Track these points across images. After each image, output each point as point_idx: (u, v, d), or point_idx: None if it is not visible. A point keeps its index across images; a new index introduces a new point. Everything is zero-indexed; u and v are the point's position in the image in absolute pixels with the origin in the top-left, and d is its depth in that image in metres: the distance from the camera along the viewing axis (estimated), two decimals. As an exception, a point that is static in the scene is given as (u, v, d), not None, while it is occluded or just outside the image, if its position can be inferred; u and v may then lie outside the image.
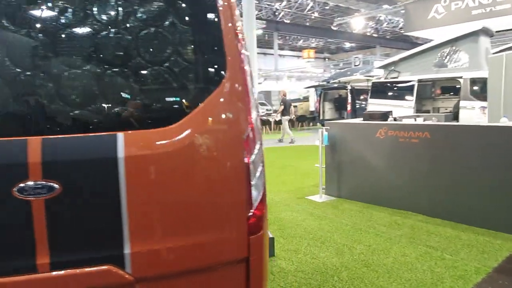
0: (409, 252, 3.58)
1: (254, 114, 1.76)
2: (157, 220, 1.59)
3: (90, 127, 1.52)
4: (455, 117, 8.73)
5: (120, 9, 1.61)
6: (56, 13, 1.55)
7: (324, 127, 5.56)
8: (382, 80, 10.74)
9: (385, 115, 5.33)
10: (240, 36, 1.76)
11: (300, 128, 18.38)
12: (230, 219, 1.70)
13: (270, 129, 16.46)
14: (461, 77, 8.84)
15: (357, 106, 14.30)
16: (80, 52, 1.55)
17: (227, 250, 1.70)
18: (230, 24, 1.72)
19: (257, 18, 25.76)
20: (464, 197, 4.24)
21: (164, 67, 1.63)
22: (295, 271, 3.27)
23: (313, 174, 6.86)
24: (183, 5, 1.71)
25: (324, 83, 16.87)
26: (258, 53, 45.02)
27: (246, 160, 1.71)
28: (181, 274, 1.65)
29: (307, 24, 37.06)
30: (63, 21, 1.54)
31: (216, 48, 1.70)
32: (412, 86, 9.77)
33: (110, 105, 1.56)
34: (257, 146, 1.76)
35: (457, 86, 9.67)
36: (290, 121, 14.71)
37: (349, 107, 14.50)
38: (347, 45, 44.79)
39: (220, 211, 1.68)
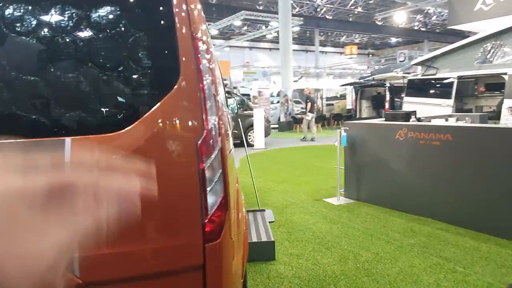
0: (418, 263, 3.36)
1: (212, 118, 1.72)
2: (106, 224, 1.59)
3: (38, 132, 1.55)
4: (498, 116, 8.09)
5: (69, 12, 1.63)
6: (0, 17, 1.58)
7: (342, 127, 5.37)
8: (419, 77, 10.19)
9: (407, 115, 5.05)
10: (201, 39, 1.72)
11: (336, 127, 17.94)
12: (182, 225, 1.67)
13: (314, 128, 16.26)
14: (505, 74, 8.17)
15: (396, 104, 13.72)
16: (31, 56, 1.58)
17: (180, 257, 1.68)
18: (186, 28, 1.69)
19: (297, 15, 25.51)
20: (488, 205, 3.91)
21: (114, 71, 1.63)
22: (292, 276, 3.18)
23: (336, 175, 6.66)
24: (136, 8, 1.70)
25: (361, 80, 16.33)
26: (299, 50, 44.55)
27: (200, 165, 1.67)
28: (132, 280, 1.65)
29: (350, 19, 36.11)
30: (10, 24, 1.58)
31: (168, 52, 1.68)
32: (451, 83, 9.18)
33: (58, 110, 1.59)
34: (215, 151, 1.72)
35: (502, 83, 8.96)
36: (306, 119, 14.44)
37: (387, 105, 13.94)
38: (393, 40, 43.13)
39: (172, 217, 1.66)
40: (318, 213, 4.85)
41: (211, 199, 1.70)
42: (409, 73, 12.91)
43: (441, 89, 9.42)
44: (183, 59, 1.68)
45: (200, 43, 1.71)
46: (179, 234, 1.67)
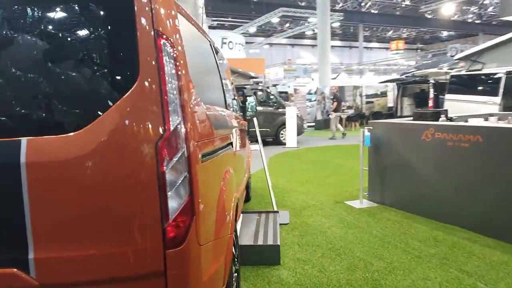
0: (435, 276, 3.08)
1: (176, 120, 1.63)
2: (62, 227, 1.57)
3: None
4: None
5: (27, 12, 1.61)
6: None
7: (366, 127, 5.09)
8: (463, 72, 9.49)
9: (436, 114, 4.68)
10: (167, 38, 1.63)
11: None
12: (140, 230, 1.60)
13: (342, 126, 15.79)
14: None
15: (441, 102, 12.92)
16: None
17: (139, 263, 1.61)
18: (148, 27, 1.61)
19: (339, 10, 24.82)
20: (522, 215, 3.51)
21: (71, 71, 1.59)
22: (294, 284, 3.04)
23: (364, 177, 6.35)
24: (94, 8, 1.64)
25: (403, 76, 15.56)
26: (342, 46, 43.46)
27: (160, 168, 1.59)
28: (89, 284, 1.61)
29: (397, 13, 34.58)
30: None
31: (127, 52, 1.61)
32: (499, 79, 8.45)
33: (15, 110, 1.58)
34: (179, 154, 1.63)
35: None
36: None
37: (430, 103, 13.18)
38: (444, 34, 40.78)
39: (129, 221, 1.60)
40: (336, 217, 4.63)
41: (172, 204, 1.62)
42: (453, 69, 12.09)
43: (487, 86, 8.71)
44: (143, 59, 1.60)
45: (164, 43, 1.63)
46: (136, 239, 1.60)
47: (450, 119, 4.79)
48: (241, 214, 4.14)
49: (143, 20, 1.62)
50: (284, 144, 11.40)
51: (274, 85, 18.82)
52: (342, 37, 42.22)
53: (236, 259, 2.63)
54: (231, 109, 3.86)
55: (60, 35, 1.60)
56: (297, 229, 4.22)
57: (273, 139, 11.86)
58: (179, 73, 1.68)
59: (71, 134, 1.55)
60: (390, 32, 40.78)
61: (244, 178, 4.09)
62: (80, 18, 1.61)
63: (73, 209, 1.55)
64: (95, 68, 1.60)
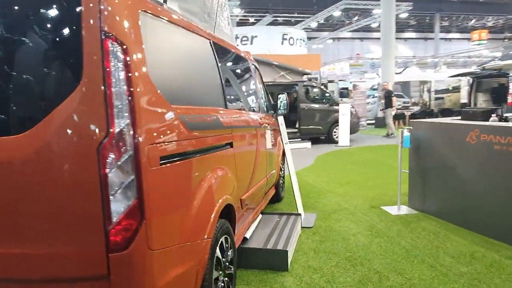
0: (457, 299, 2.70)
1: (121, 122, 1.59)
2: (3, 226, 1.62)
3: None
4: None
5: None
6: None
7: (406, 127, 4.65)
8: (544, 64, 8.25)
9: (486, 113, 4.12)
10: (116, 39, 1.60)
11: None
12: (83, 232, 1.60)
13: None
14: None
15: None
16: None
17: (82, 265, 1.61)
18: (93, 28, 1.59)
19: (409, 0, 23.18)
20: None
21: (14, 73, 1.62)
22: (296, 293, 2.88)
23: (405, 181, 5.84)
24: (38, 6, 1.65)
25: (478, 70, 14.02)
26: (416, 38, 40.65)
27: (102, 170, 1.57)
28: (31, 282, 1.65)
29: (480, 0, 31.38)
30: None
31: (71, 54, 1.60)
32: None
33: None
34: (125, 156, 1.60)
35: None
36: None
37: (510, 99, 11.75)
38: (539, 20, 36.06)
39: (71, 223, 1.60)
40: (366, 223, 4.31)
41: (116, 207, 1.59)
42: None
43: None
44: (87, 61, 1.58)
45: (112, 44, 1.60)
46: (79, 241, 1.60)
47: (505, 119, 4.18)
48: (260, 215, 4.04)
49: (89, 20, 1.60)
50: (337, 142, 10.98)
51: (330, 81, 18.18)
52: (416, 28, 39.48)
53: (228, 263, 2.55)
54: (252, 108, 3.78)
55: (9, 40, 1.64)
56: (319, 234, 4.01)
57: (325, 137, 11.48)
58: (131, 75, 1.64)
59: (15, 136, 1.59)
60: (473, 21, 37.17)
61: (265, 178, 3.98)
62: (27, 16, 1.63)
63: (15, 210, 1.59)
64: (39, 69, 1.62)
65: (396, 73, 17.13)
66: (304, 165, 8.10)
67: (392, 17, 15.25)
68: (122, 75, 1.61)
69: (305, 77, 11.59)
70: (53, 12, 1.66)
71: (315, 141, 11.40)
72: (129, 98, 1.62)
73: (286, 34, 20.24)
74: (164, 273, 1.79)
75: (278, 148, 4.91)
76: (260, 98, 4.28)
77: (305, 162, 8.38)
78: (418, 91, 15.77)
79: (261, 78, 4.77)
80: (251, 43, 20.16)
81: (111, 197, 1.58)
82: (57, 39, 1.65)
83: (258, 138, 3.81)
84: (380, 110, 14.42)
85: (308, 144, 10.81)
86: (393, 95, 12.34)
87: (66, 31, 1.64)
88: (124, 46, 1.63)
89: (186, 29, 2.35)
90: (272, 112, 4.87)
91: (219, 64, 2.81)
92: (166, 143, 1.83)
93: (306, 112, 10.95)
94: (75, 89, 1.57)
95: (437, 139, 4.34)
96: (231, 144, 2.78)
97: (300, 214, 4.18)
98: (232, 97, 3.16)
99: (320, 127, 11.18)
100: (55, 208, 1.59)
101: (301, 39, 21.21)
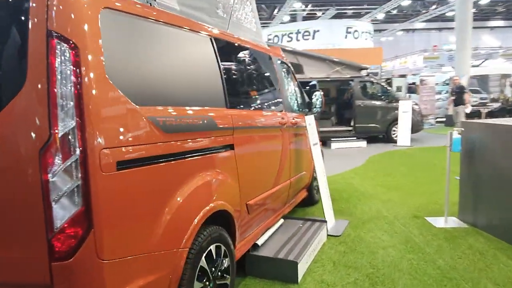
0: (489, 338, 2.25)
1: (66, 125, 1.51)
2: None
3: None
4: None
5: None
6: None
7: (455, 128, 4.08)
8: None
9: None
10: (63, 38, 1.52)
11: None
12: (25, 238, 1.55)
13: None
14: None
15: None
16: None
17: (25, 271, 1.57)
18: (40, 26, 1.53)
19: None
20: None
21: None
22: (300, 310, 2.63)
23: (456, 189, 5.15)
24: None
25: None
26: (505, 26, 36.61)
27: (43, 175, 1.50)
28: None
29: None
30: None
31: (16, 54, 1.55)
32: None
33: None
34: (69, 161, 1.52)
35: None
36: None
37: None
38: None
39: (14, 229, 1.56)
40: (403, 235, 3.86)
41: (59, 213, 1.52)
42: None
43: None
44: (33, 61, 1.52)
45: (58, 42, 1.52)
46: (22, 247, 1.56)
47: None
48: (282, 220, 3.82)
49: (36, 17, 1.54)
50: (395, 142, 10.20)
51: (401, 76, 16.95)
52: (505, 16, 35.39)
53: (222, 273, 2.39)
54: (273, 107, 3.58)
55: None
56: (345, 244, 3.68)
57: (383, 136, 10.73)
58: (80, 75, 1.54)
59: None
60: None
61: (288, 181, 3.74)
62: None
63: None
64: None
65: (474, 66, 15.47)
66: (353, 165, 7.63)
67: (468, 3, 13.76)
68: (68, 75, 1.53)
69: (363, 72, 10.93)
70: (2, 8, 1.63)
71: (372, 140, 10.71)
72: (76, 99, 1.53)
73: (350, 27, 19.36)
74: (122, 285, 1.69)
75: (306, 148, 4.62)
76: (289, 96, 4.04)
77: (355, 163, 7.89)
78: (498, 86, 14.06)
79: (293, 75, 4.51)
80: (313, 38, 19.65)
81: (53, 203, 1.51)
82: (7, 37, 1.61)
83: (280, 139, 3.59)
84: (446, 107, 13.11)
85: (363, 143, 10.19)
86: (465, 90, 11.13)
87: (15, 28, 1.60)
88: (72, 45, 1.54)
89: (170, 25, 2.21)
90: (307, 110, 4.60)
91: (221, 62, 2.65)
92: (127, 147, 1.72)
93: (362, 109, 10.32)
94: (19, 91, 1.52)
95: (494, 143, 3.73)
96: (231, 146, 2.61)
97: (325, 221, 3.88)
98: (239, 96, 2.98)
99: (377, 125, 10.47)
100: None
101: (367, 32, 20.15)
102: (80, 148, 1.54)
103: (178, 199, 2.02)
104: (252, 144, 2.97)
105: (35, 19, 1.54)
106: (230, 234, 2.58)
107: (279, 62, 3.92)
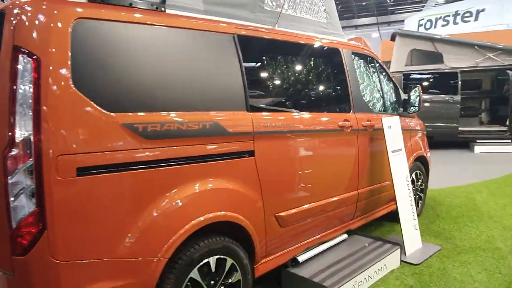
0: None
1: (23, 131, 1.63)
2: None
3: None
4: None
5: None
6: None
7: None
8: None
9: None
10: (27, 53, 1.64)
11: None
12: (1, 228, 1.72)
13: None
14: None
15: None
16: None
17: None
18: (8, 41, 1.67)
19: None
20: None
21: None
22: None
23: None
24: None
25: None
26: None
27: (4, 178, 1.65)
28: None
29: None
30: None
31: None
32: None
33: None
34: (25, 165, 1.64)
35: None
36: None
37: None
38: None
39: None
40: (509, 280, 2.91)
41: (15, 213, 1.68)
42: None
43: None
44: (1, 71, 1.67)
45: (23, 56, 1.66)
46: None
47: None
48: (345, 235, 3.36)
49: (6, 33, 1.68)
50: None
51: None
52: None
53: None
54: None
55: None
56: (418, 277, 3.00)
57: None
58: (40, 86, 1.64)
59: None
60: None
61: (354, 193, 3.27)
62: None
63: None
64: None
65: None
66: (488, 176, 6.19)
67: None
68: (29, 85, 1.64)
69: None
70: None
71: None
72: (34, 107, 1.63)
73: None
74: (79, 286, 1.75)
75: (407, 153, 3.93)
76: (364, 94, 3.50)
77: (493, 173, 6.39)
78: None
79: (382, 69, 3.89)
80: (476, 19, 16.64)
81: (11, 203, 1.65)
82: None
83: (339, 144, 3.15)
84: None
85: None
86: None
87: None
88: (35, 58, 1.64)
89: (163, 27, 2.11)
90: (401, 110, 3.94)
91: (246, 62, 2.45)
92: (92, 154, 1.75)
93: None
94: None
95: None
96: (250, 153, 2.41)
97: (399, 244, 3.24)
98: (269, 98, 2.71)
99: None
100: None
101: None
102: (35, 154, 1.63)
103: (156, 208, 1.96)
104: (286, 151, 2.67)
105: (6, 33, 1.69)
106: (247, 246, 2.41)
107: (352, 55, 3.42)
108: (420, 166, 4.35)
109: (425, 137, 4.63)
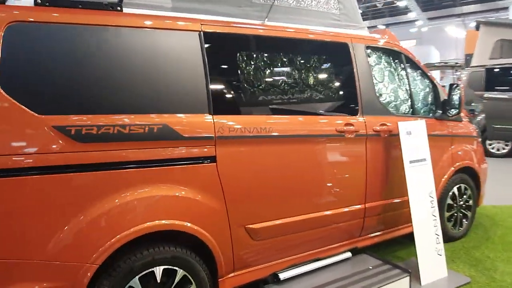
0: None
1: None
2: None
3: None
4: None
5: None
6: None
7: None
8: None
9: None
10: None
11: None
12: None
13: None
14: None
15: None
16: None
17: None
18: None
19: None
20: None
21: None
22: None
23: None
24: None
25: None
26: None
27: None
28: None
29: None
30: None
31: None
32: None
33: None
34: None
35: None
36: None
37: None
38: None
39: None
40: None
41: None
42: None
43: None
44: None
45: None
46: None
47: None
48: (349, 254, 2.98)
49: None
50: None
51: None
52: None
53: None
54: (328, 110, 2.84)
55: None
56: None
57: None
58: None
59: None
60: None
61: (360, 207, 2.89)
62: None
63: None
64: None
65: None
66: None
67: None
68: None
69: None
70: None
71: None
72: None
73: None
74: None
75: (440, 165, 3.36)
76: (380, 95, 3.06)
77: None
78: None
79: (409, 67, 3.36)
80: None
81: None
82: None
83: (337, 151, 2.80)
84: None
85: None
86: None
87: None
88: None
89: (107, 27, 2.04)
90: (440, 113, 3.39)
91: (209, 60, 2.28)
92: (15, 155, 1.76)
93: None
94: None
95: None
96: (211, 159, 2.24)
97: (408, 272, 2.76)
98: (238, 99, 2.47)
99: None
100: None
101: None
102: None
103: (90, 213, 1.91)
104: (259, 158, 2.43)
105: None
106: (207, 258, 2.27)
107: (366, 50, 2.99)
108: (466, 179, 3.68)
109: (478, 145, 3.91)
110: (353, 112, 2.86)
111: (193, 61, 2.25)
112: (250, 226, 2.41)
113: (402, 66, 3.29)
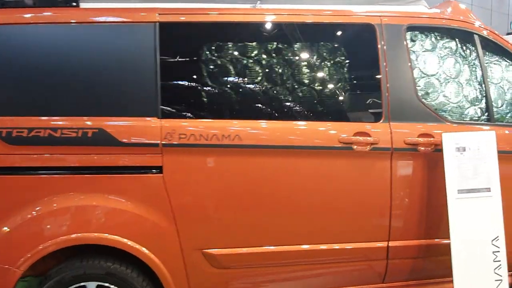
0: None
1: None
2: None
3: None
4: None
5: None
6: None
7: None
8: None
9: None
10: None
11: None
12: None
13: None
14: None
15: None
16: None
17: None
18: None
19: None
20: None
21: None
22: None
23: None
24: None
25: None
26: None
27: None
28: None
29: None
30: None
31: None
32: None
33: None
34: None
35: None
36: None
37: None
38: None
39: None
40: None
41: None
42: None
43: None
44: None
45: None
46: None
47: None
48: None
49: None
50: None
51: None
52: None
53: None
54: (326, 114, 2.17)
55: None
56: None
57: None
58: None
59: None
60: None
61: (382, 245, 2.16)
62: None
63: None
64: None
65: None
66: None
67: None
68: None
69: None
70: None
71: None
72: None
73: None
74: None
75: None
76: (425, 94, 2.20)
77: None
78: None
79: (485, 54, 2.33)
80: None
81: None
82: None
83: (333, 169, 2.11)
84: None
85: None
86: None
87: None
88: None
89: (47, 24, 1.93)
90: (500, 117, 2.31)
91: (163, 55, 1.97)
92: None
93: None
94: None
95: None
96: (157, 169, 1.95)
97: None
98: (197, 101, 2.05)
99: None
100: None
101: None
102: None
103: (16, 217, 1.87)
104: (223, 172, 1.99)
105: None
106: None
107: (407, 32, 2.16)
108: None
109: None
110: (373, 117, 2.13)
111: (141, 57, 1.98)
112: (208, 251, 2.03)
113: (475, 52, 2.30)
